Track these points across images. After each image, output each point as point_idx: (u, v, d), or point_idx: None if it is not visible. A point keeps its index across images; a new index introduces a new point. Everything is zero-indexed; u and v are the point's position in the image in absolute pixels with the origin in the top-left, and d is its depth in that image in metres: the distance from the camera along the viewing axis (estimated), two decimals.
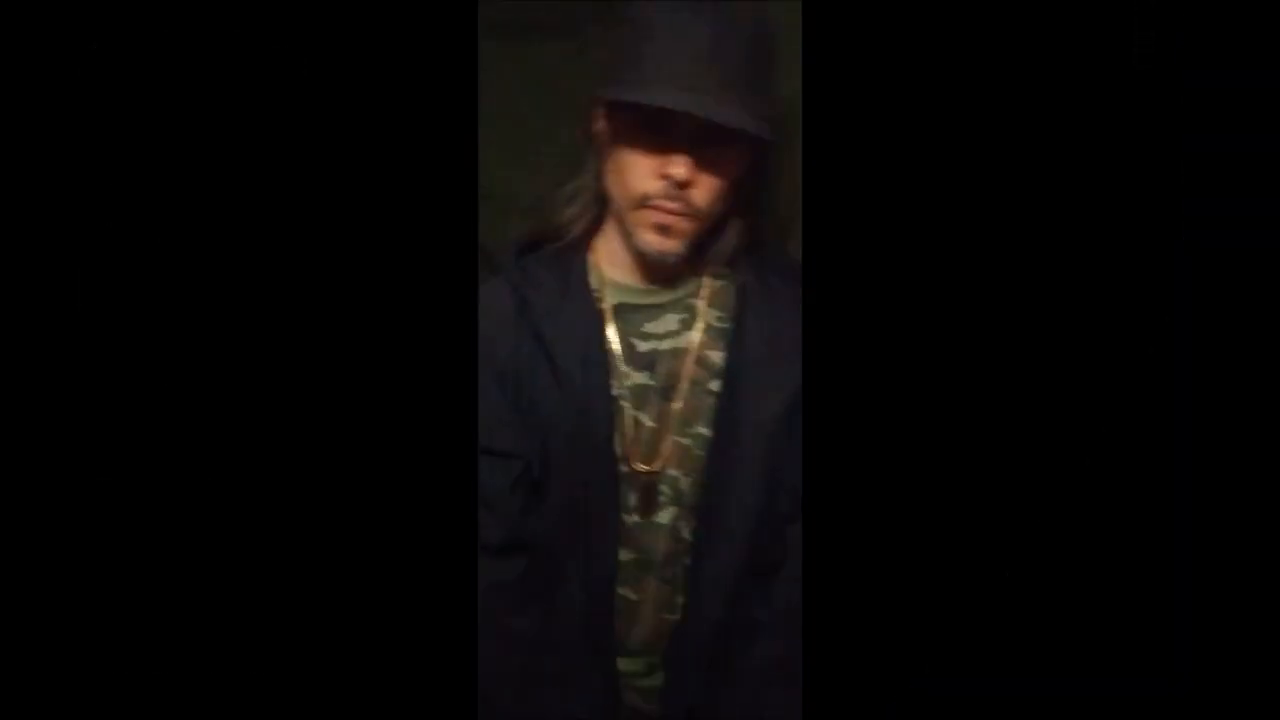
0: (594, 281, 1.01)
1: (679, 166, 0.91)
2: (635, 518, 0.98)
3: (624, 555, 0.98)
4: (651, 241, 0.95)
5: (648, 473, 0.97)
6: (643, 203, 0.94)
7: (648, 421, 0.98)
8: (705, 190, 0.94)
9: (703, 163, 0.92)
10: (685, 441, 0.98)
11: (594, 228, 1.03)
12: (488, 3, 0.84)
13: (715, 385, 0.98)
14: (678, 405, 0.98)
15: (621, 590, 0.98)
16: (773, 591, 0.98)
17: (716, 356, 0.99)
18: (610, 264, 1.02)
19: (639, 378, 0.99)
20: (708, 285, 1.01)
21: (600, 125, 0.97)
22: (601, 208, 1.01)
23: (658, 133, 0.91)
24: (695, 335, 1.00)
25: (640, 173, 0.93)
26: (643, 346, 0.99)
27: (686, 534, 0.98)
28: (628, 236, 0.98)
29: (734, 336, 0.99)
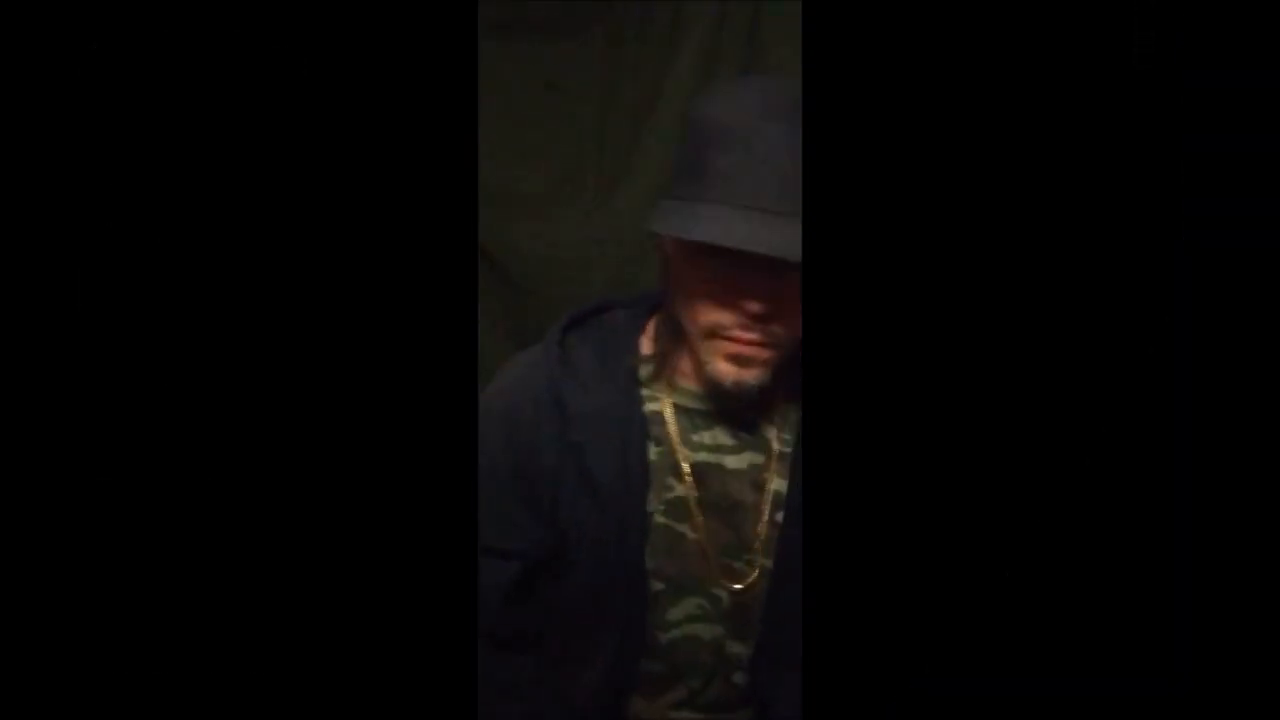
0: (644, 380, 0.91)
1: (754, 302, 0.80)
2: (676, 632, 0.90)
3: (650, 666, 0.91)
4: (726, 372, 0.84)
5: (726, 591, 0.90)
6: (715, 333, 0.84)
7: (690, 534, 0.89)
8: (788, 319, 0.83)
9: (784, 292, 0.80)
10: (736, 564, 0.90)
11: (655, 311, 0.93)
12: (488, 3, 0.85)
13: (779, 517, 0.90)
14: (729, 531, 0.90)
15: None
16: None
17: (776, 482, 0.90)
18: (677, 380, 0.91)
19: (680, 490, 0.89)
20: (779, 402, 0.91)
21: (664, 248, 0.87)
22: (673, 331, 0.89)
23: (732, 259, 0.79)
24: (755, 456, 0.91)
25: (711, 303, 0.83)
26: (692, 458, 0.89)
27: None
28: (698, 365, 0.87)
29: (795, 460, 0.90)
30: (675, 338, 0.89)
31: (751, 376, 0.84)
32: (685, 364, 0.90)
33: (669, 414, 0.89)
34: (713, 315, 0.82)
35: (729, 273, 0.80)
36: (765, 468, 0.90)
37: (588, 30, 1.33)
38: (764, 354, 0.83)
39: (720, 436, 0.90)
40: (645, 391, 0.90)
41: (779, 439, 0.90)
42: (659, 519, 0.89)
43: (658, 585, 0.89)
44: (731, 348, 0.83)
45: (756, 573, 0.89)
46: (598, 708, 0.91)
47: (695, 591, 0.90)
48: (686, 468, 0.88)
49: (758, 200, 0.78)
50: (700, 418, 0.90)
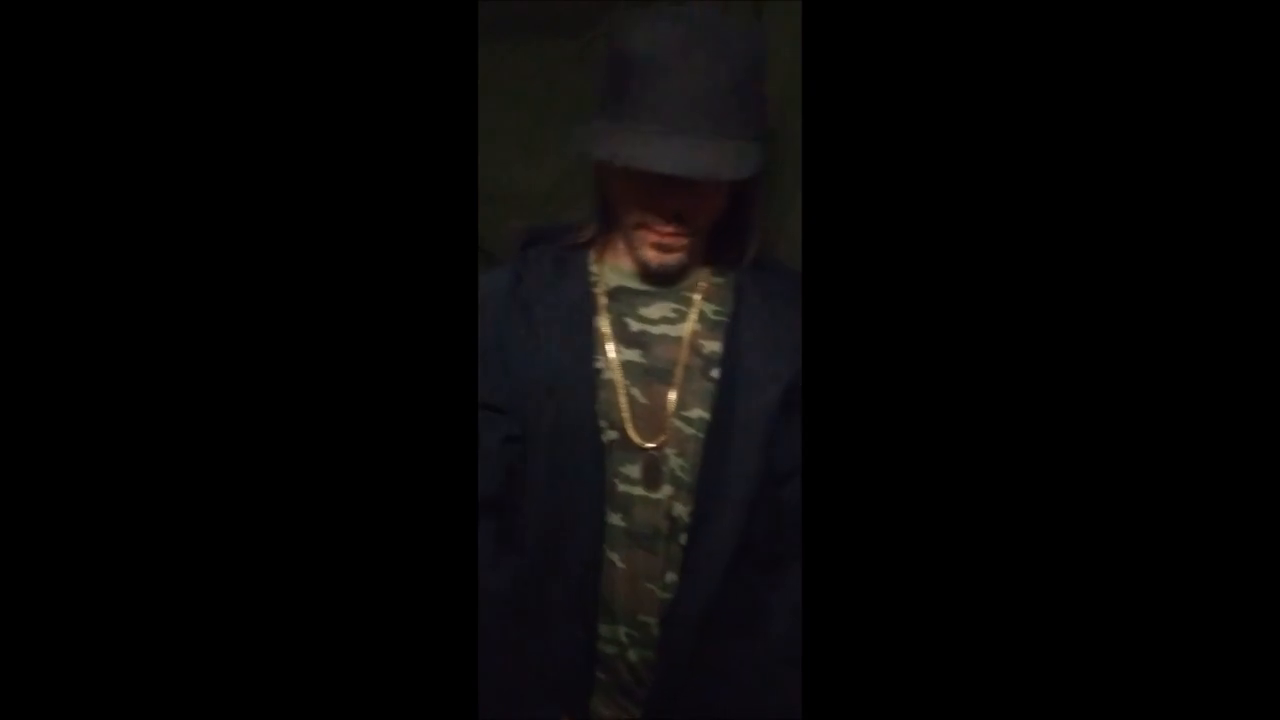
0: (593, 271, 1.05)
1: (674, 204, 0.95)
2: (636, 489, 0.99)
3: (613, 520, 0.99)
4: (651, 257, 1.00)
5: (652, 448, 0.99)
6: (640, 225, 0.99)
7: (642, 399, 1.00)
8: (702, 214, 0.98)
9: (697, 194, 0.96)
10: (681, 425, 0.99)
11: (599, 236, 1.06)
12: (488, 3, 0.85)
13: (714, 373, 1.00)
14: (673, 389, 1.00)
15: (610, 555, 0.99)
16: (772, 582, 1.00)
17: (713, 345, 1.01)
18: (613, 261, 1.05)
19: (630, 354, 1.01)
20: (705, 281, 1.04)
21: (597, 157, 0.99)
22: (605, 220, 1.05)
23: (652, 176, 0.93)
24: (689, 324, 1.02)
25: (635, 202, 0.98)
26: (634, 327, 1.02)
27: (681, 513, 0.99)
28: (631, 248, 1.02)
29: (729, 329, 1.02)
30: (611, 228, 1.04)
31: (672, 259, 1.00)
32: (624, 251, 1.04)
33: (608, 293, 1.04)
34: (638, 215, 0.98)
35: (651, 185, 0.94)
36: (701, 334, 1.02)
37: (588, 30, 1.33)
38: (682, 240, 0.99)
39: (663, 310, 1.03)
40: (594, 276, 1.05)
41: (709, 308, 1.03)
42: (607, 375, 1.00)
43: (610, 434, 0.99)
44: (654, 237, 0.98)
45: (700, 435, 0.99)
46: (579, 562, 0.98)
47: (638, 457, 1.00)
48: (634, 331, 1.02)
49: (677, 123, 0.91)
50: (644, 295, 1.03)
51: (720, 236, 1.04)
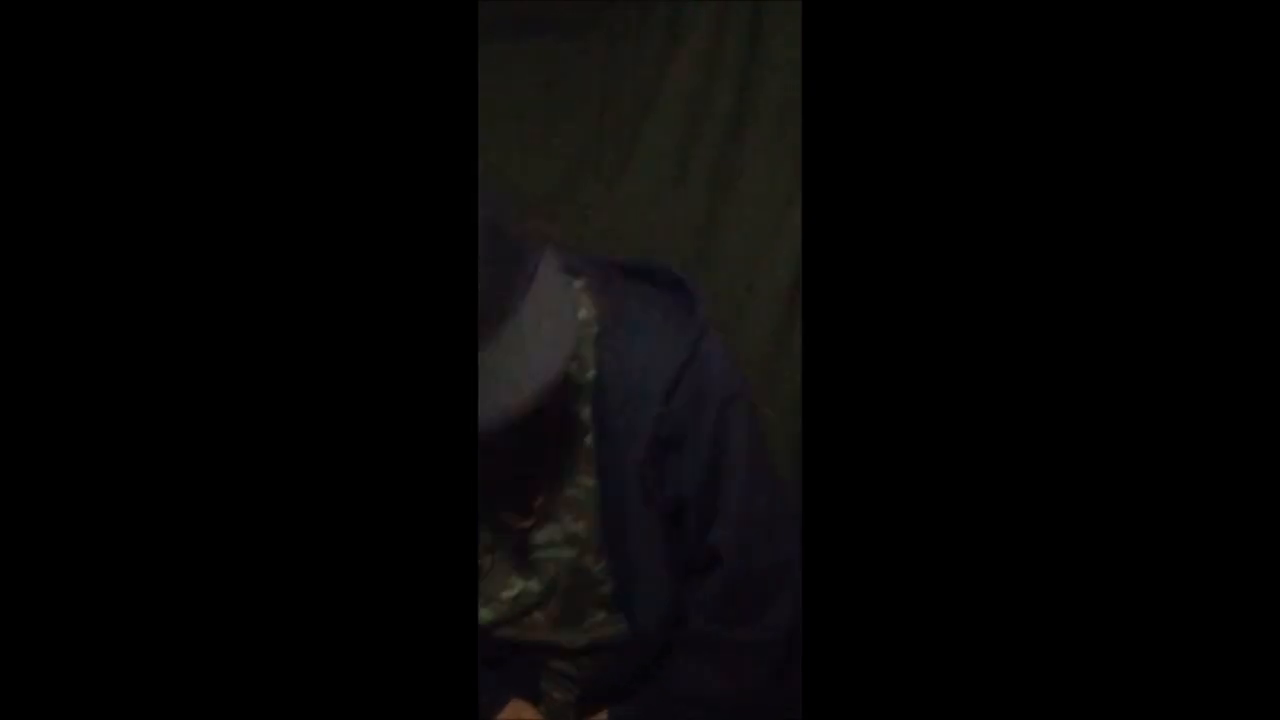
0: None
1: None
2: (516, 558, 1.02)
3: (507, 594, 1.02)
4: None
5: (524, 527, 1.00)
6: None
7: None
8: None
9: None
10: (571, 492, 1.00)
11: None
12: (487, 3, 0.85)
13: (588, 440, 0.99)
14: (560, 460, 0.99)
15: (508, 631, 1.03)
16: (698, 592, 1.02)
17: (585, 413, 1.00)
18: None
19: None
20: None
21: None
22: None
23: None
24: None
25: None
26: None
27: (593, 566, 1.01)
28: None
29: (595, 387, 0.99)
30: None
31: None
32: None
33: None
34: None
35: None
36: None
37: (588, 30, 1.33)
38: None
39: None
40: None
41: (573, 372, 0.98)
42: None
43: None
44: None
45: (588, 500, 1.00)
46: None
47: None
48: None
49: None
50: None
51: None
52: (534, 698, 1.07)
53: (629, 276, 1.04)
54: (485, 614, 1.02)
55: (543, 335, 0.86)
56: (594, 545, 1.00)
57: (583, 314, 0.99)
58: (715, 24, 1.24)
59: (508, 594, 1.02)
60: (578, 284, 1.00)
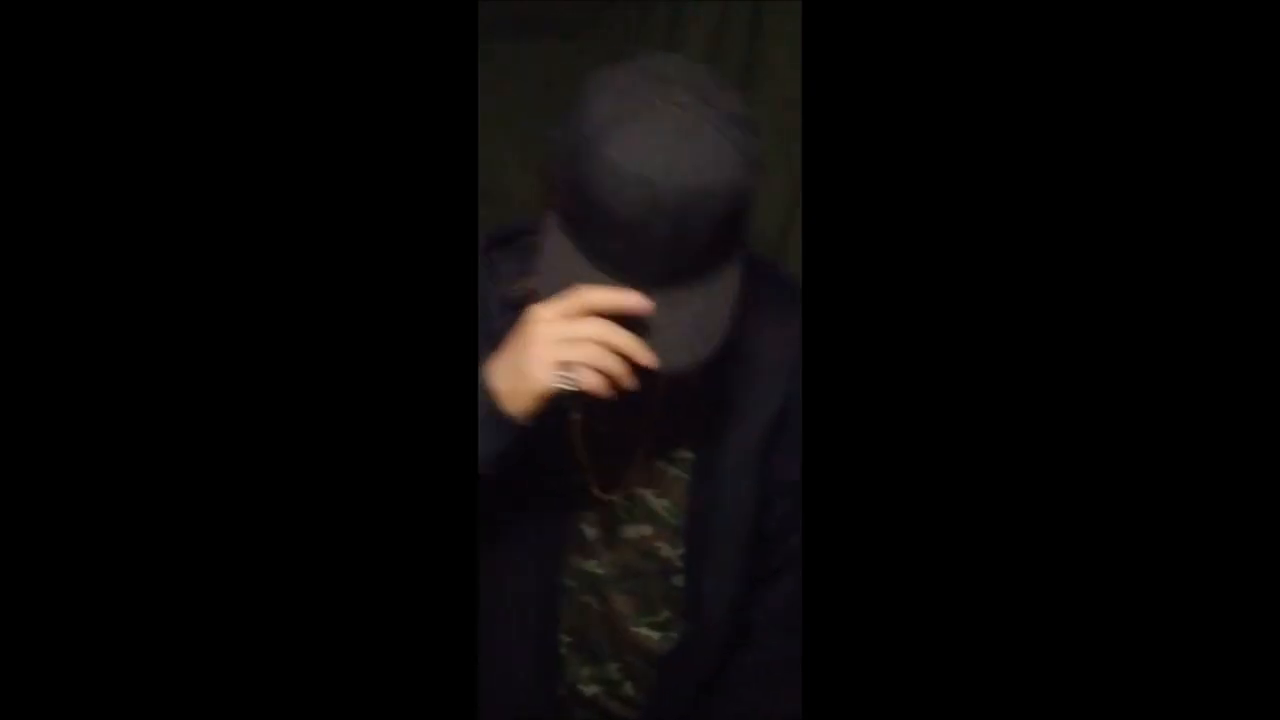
0: None
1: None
2: (596, 530, 0.96)
3: (586, 565, 0.96)
4: None
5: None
6: None
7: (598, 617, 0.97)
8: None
9: None
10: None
11: None
12: (488, 3, 0.85)
13: (673, 578, 0.96)
14: (629, 596, 0.97)
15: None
16: (767, 599, 0.98)
17: (667, 550, 0.96)
18: None
19: (586, 565, 0.97)
20: (666, 474, 0.97)
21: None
22: None
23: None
24: (642, 529, 0.97)
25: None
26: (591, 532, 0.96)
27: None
28: None
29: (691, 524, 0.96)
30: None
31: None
32: None
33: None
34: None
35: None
36: (654, 537, 0.96)
37: (588, 30, 1.33)
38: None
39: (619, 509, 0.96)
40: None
41: (666, 509, 0.96)
42: (566, 585, 0.96)
43: (565, 640, 0.97)
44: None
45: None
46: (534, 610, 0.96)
47: (604, 658, 0.99)
48: (592, 539, 0.96)
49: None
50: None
51: None
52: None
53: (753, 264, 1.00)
54: (567, 581, 0.97)
55: (715, 295, 0.81)
56: (673, 527, 0.96)
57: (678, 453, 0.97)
58: (715, 24, 1.24)
59: (588, 565, 0.97)
60: None
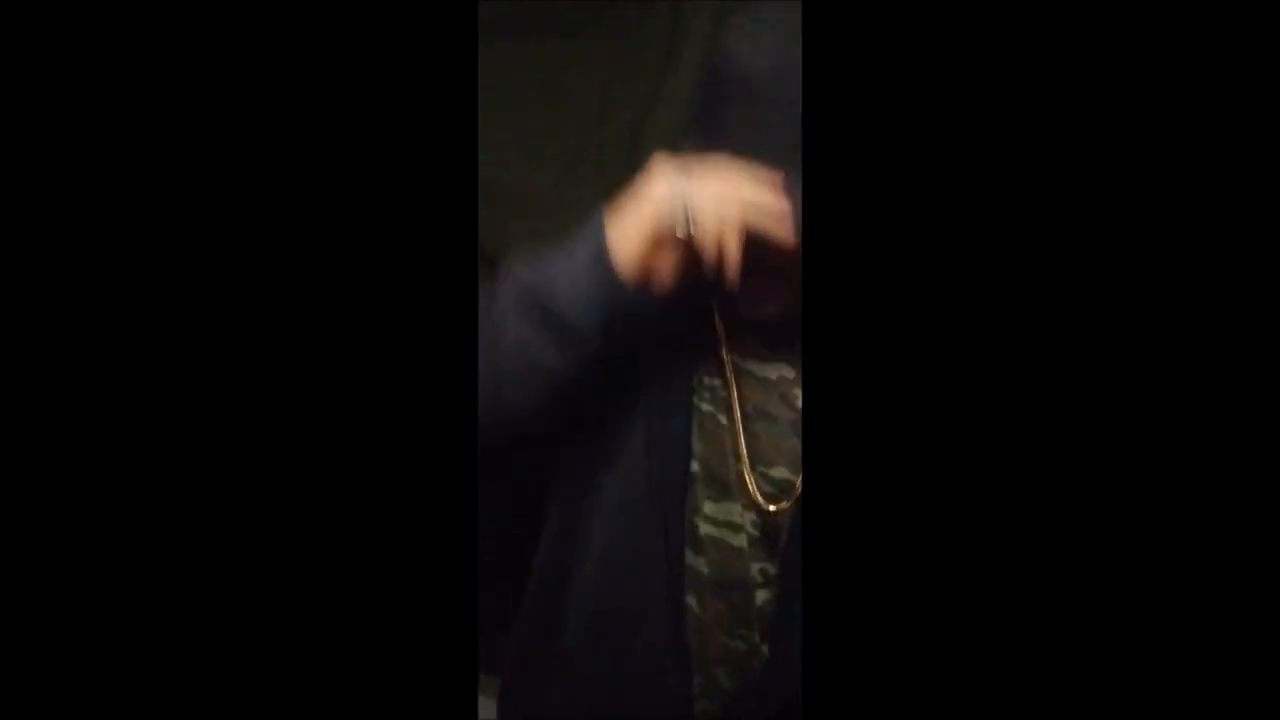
0: None
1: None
2: (710, 528, 0.93)
3: (694, 563, 0.93)
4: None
5: (764, 509, 0.92)
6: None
7: (727, 446, 0.93)
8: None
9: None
10: (753, 479, 0.92)
11: None
12: (488, 2, 0.85)
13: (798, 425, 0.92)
14: (754, 438, 0.92)
15: (686, 598, 0.92)
16: None
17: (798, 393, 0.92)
18: None
19: (717, 385, 0.93)
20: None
21: None
22: None
23: None
24: (784, 369, 0.93)
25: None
26: (729, 357, 0.93)
27: (759, 573, 0.92)
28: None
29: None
30: None
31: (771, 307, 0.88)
32: None
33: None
34: None
35: None
36: (794, 382, 0.92)
37: (588, 30, 1.33)
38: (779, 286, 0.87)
39: (755, 345, 0.93)
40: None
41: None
42: (696, 401, 0.92)
43: (695, 465, 0.91)
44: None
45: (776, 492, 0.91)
46: (653, 600, 0.92)
47: (730, 496, 0.92)
48: (727, 362, 0.92)
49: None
50: (742, 324, 0.93)
51: None
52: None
53: None
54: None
55: None
56: (763, 548, 0.92)
57: None
58: (715, 24, 1.24)
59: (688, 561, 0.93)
60: None
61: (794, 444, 0.92)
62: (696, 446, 0.93)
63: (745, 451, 0.92)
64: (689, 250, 0.81)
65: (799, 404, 0.93)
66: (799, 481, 0.91)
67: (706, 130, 0.85)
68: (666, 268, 0.83)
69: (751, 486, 0.91)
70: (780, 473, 0.92)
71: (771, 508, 0.91)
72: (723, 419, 0.93)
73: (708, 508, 0.93)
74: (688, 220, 0.78)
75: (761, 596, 0.92)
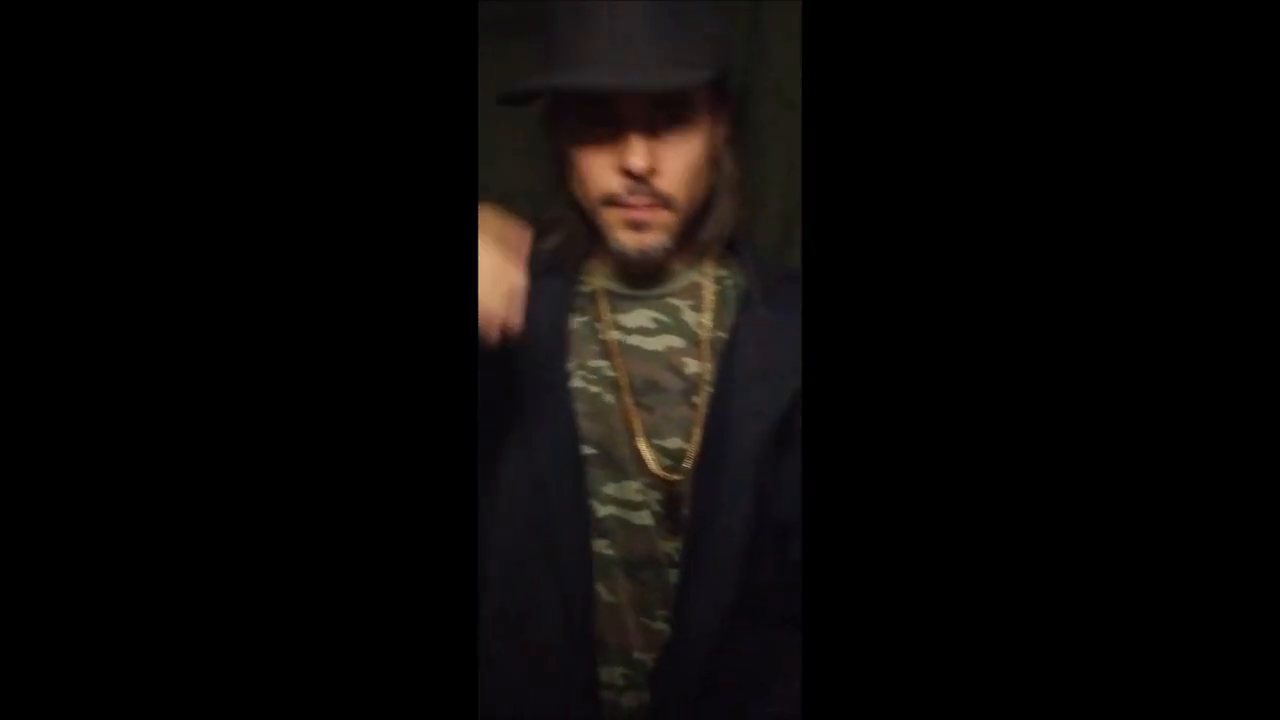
0: (581, 273, 0.96)
1: (635, 155, 0.84)
2: (611, 509, 0.92)
3: (599, 547, 0.92)
4: (627, 240, 0.89)
5: (664, 481, 0.91)
6: (609, 202, 0.88)
7: (618, 424, 0.92)
8: (673, 176, 0.87)
9: (663, 147, 0.86)
10: (650, 453, 0.92)
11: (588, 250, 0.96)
12: (488, 3, 0.85)
13: (694, 399, 0.92)
14: (646, 412, 0.92)
15: (596, 585, 0.92)
16: (787, 642, 0.92)
17: (696, 366, 0.92)
18: (599, 260, 0.96)
19: (599, 364, 0.92)
20: (704, 289, 0.95)
21: (550, 128, 0.91)
22: (583, 216, 0.93)
23: (606, 123, 0.85)
24: (666, 339, 0.93)
25: (598, 170, 0.87)
26: (611, 336, 0.93)
27: (669, 549, 0.92)
28: (602, 238, 0.91)
29: (726, 349, 0.92)
30: (583, 220, 0.92)
31: (651, 240, 0.88)
32: (603, 253, 0.93)
33: (597, 293, 0.94)
34: (602, 183, 0.86)
35: (608, 133, 0.84)
36: (684, 351, 0.92)
37: None
38: (658, 216, 0.87)
39: (641, 319, 0.93)
40: (583, 277, 0.95)
41: (700, 325, 0.93)
42: (580, 384, 0.92)
43: (588, 449, 0.91)
44: (626, 214, 0.87)
45: (672, 463, 0.91)
46: (567, 593, 0.91)
47: (627, 475, 0.92)
48: (609, 341, 0.92)
49: (625, 55, 0.82)
50: (625, 300, 0.94)
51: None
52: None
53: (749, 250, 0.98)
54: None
55: None
56: (668, 523, 0.91)
57: (731, 276, 0.95)
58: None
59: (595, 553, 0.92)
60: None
61: (685, 412, 0.92)
62: (586, 428, 0.92)
63: (639, 426, 0.91)
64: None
65: (689, 370, 0.93)
66: (692, 448, 0.91)
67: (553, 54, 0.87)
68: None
69: (651, 460, 0.90)
70: (674, 443, 0.92)
71: (674, 478, 0.90)
72: (610, 398, 0.92)
73: (608, 489, 0.92)
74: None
75: (674, 575, 0.92)
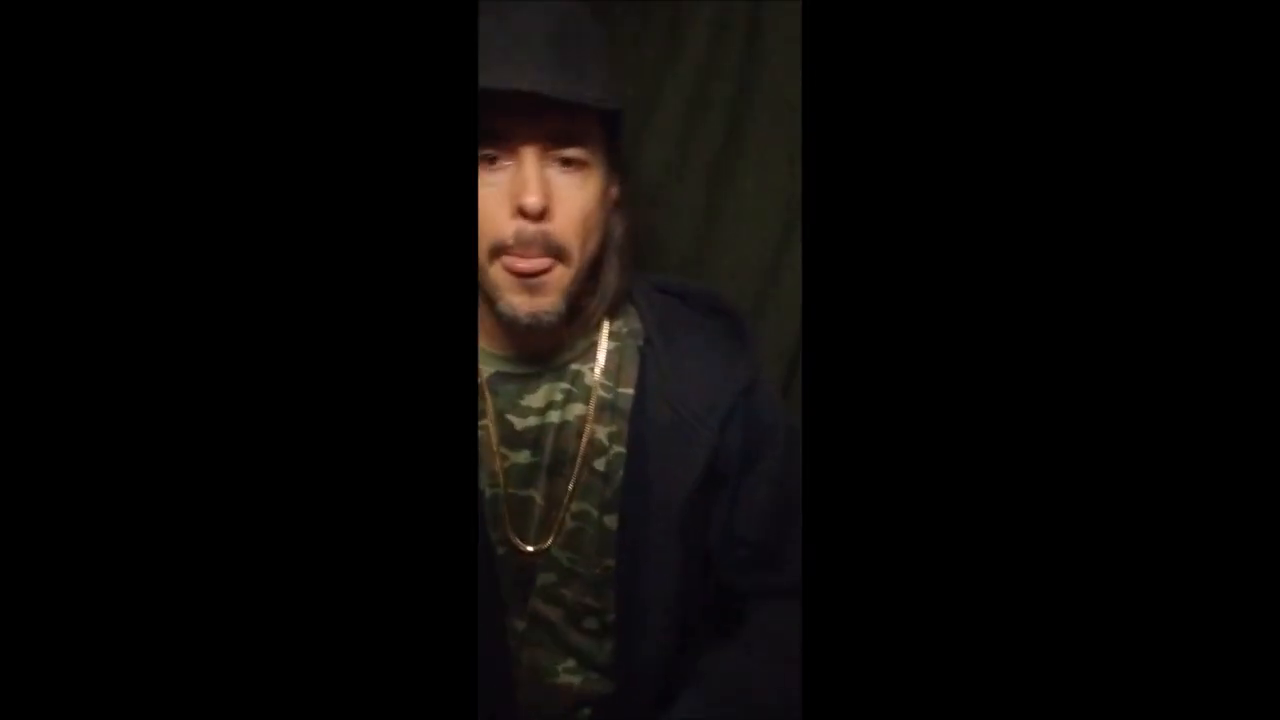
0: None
1: (530, 194, 0.80)
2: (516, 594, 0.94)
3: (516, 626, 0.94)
4: (519, 305, 0.83)
5: (528, 554, 0.92)
6: (499, 251, 0.83)
7: (539, 499, 0.92)
8: (566, 222, 0.83)
9: (557, 189, 0.82)
10: (572, 524, 0.92)
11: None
12: (488, 2, 0.85)
13: (598, 463, 0.91)
14: (566, 484, 0.92)
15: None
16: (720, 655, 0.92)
17: (602, 433, 0.92)
18: (486, 341, 0.91)
19: (519, 458, 0.91)
20: (598, 347, 0.93)
21: None
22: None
23: (503, 159, 0.82)
24: (580, 407, 0.92)
25: (490, 212, 0.82)
26: (521, 424, 0.91)
27: (581, 600, 0.94)
28: (491, 303, 0.85)
29: (633, 406, 0.91)
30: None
31: (546, 304, 0.83)
32: (494, 326, 0.89)
33: (487, 381, 0.90)
34: (493, 228, 0.82)
35: (504, 174, 0.81)
36: (586, 417, 0.91)
37: None
38: (550, 273, 0.83)
39: (549, 394, 0.91)
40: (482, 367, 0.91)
41: (600, 385, 0.91)
42: (498, 489, 0.90)
43: (500, 549, 0.91)
44: (517, 265, 0.82)
45: (594, 532, 0.91)
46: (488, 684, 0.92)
47: (550, 568, 0.93)
48: (521, 430, 0.90)
49: (519, 55, 0.79)
50: (525, 380, 0.91)
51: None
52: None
53: (667, 294, 0.96)
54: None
55: None
56: (591, 582, 0.92)
57: (628, 325, 0.94)
58: (715, 24, 1.24)
59: (518, 626, 0.95)
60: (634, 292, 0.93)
61: (598, 482, 0.92)
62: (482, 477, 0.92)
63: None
64: None
65: (599, 435, 0.92)
66: (610, 517, 0.91)
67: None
68: None
69: (510, 531, 0.91)
70: (581, 506, 0.93)
71: (529, 548, 0.92)
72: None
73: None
74: None
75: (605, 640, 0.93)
